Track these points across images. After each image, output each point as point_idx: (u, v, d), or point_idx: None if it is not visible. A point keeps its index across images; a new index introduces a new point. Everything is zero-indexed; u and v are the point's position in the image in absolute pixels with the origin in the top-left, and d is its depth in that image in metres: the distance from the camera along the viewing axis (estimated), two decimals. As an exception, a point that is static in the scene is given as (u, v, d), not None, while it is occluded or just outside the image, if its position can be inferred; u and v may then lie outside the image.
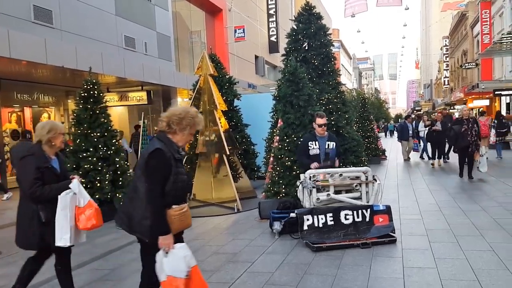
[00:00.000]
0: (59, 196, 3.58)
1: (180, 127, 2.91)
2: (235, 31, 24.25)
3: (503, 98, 29.27)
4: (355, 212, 5.42)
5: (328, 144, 5.95)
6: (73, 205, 3.68)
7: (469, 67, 36.37)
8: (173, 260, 2.81)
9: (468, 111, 10.26)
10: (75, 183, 3.72)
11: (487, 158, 9.85)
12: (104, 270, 4.79)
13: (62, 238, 3.60)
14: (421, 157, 15.52)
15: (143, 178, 2.81)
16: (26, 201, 3.59)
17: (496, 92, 26.28)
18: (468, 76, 40.99)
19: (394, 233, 5.41)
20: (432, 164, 13.23)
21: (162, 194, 2.78)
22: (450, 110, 36.66)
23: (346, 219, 5.40)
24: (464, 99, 36.48)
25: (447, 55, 50.85)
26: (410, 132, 15.51)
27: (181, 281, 2.78)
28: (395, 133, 49.85)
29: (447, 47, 50.75)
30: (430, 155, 13.96)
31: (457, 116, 11.40)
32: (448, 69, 51.21)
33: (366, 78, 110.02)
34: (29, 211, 3.56)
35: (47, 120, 3.98)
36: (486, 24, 29.59)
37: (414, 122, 16.19)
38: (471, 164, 9.90)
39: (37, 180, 3.49)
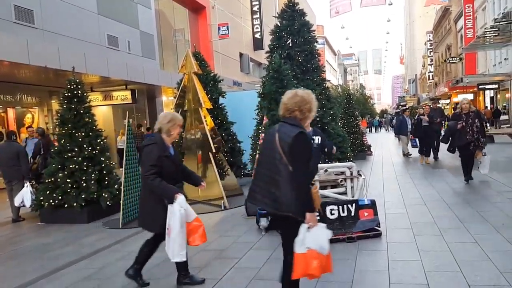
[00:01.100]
0: (178, 213, 3.73)
1: (308, 113, 3.06)
2: (219, 28, 24.20)
3: (487, 92, 29.80)
4: (340, 207, 5.49)
5: (313, 139, 6.01)
6: (184, 221, 3.82)
7: (453, 61, 36.90)
8: (318, 236, 2.93)
9: (468, 104, 8.64)
10: (183, 199, 3.80)
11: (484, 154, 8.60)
12: (91, 269, 4.78)
13: (179, 254, 3.76)
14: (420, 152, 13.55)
15: (284, 161, 2.88)
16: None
17: (480, 86, 26.71)
18: (452, 70, 41.55)
19: (379, 227, 5.48)
20: (424, 162, 12.51)
21: (307, 174, 2.95)
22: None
23: (331, 214, 5.47)
24: (448, 94, 37.01)
25: (431, 50, 51.42)
26: (409, 126, 14.63)
27: (322, 257, 2.93)
28: (382, 129, 50.43)
29: (431, 42, 51.32)
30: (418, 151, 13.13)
31: (455, 111, 9.62)
32: (432, 64, 51.83)
33: (351, 74, 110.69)
34: (156, 196, 3.80)
35: (168, 111, 4.23)
36: (470, 19, 29.98)
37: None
38: (471, 164, 8.61)
39: (152, 167, 3.74)
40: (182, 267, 4.07)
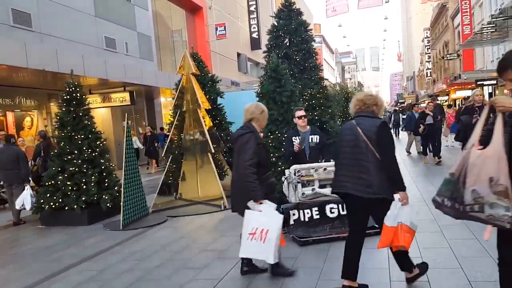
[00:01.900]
0: (277, 216, 3.78)
1: (381, 108, 3.68)
2: (216, 29, 24.21)
3: (485, 88, 29.80)
4: (340, 205, 5.50)
5: (312, 138, 6.02)
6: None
7: (450, 58, 36.90)
8: (411, 213, 3.42)
9: (481, 96, 8.05)
10: (268, 205, 3.82)
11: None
12: (93, 271, 4.80)
13: (274, 257, 3.73)
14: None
15: (370, 149, 3.33)
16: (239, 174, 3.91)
17: (478, 83, 26.72)
18: (450, 67, 41.59)
19: (379, 224, 5.51)
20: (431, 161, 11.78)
21: (395, 157, 3.44)
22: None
23: (331, 212, 5.48)
24: (447, 90, 37.04)
25: (428, 47, 51.43)
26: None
27: (412, 232, 3.44)
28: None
29: (429, 39, 51.33)
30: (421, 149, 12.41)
31: (466, 104, 8.95)
32: (430, 61, 51.85)
33: (349, 72, 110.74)
34: (244, 184, 3.84)
35: (256, 102, 4.32)
36: (467, 15, 29.98)
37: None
38: None
39: (253, 155, 3.83)
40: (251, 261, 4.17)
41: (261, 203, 3.76)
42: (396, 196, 3.41)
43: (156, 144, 15.65)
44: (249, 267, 4.22)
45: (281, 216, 3.83)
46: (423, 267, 3.77)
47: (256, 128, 4.07)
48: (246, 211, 3.79)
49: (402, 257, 3.64)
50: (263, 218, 3.72)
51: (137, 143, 16.23)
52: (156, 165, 16.44)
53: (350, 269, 3.54)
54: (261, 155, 3.92)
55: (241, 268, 4.25)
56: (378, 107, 3.62)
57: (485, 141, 2.37)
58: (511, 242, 2.49)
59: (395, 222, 3.35)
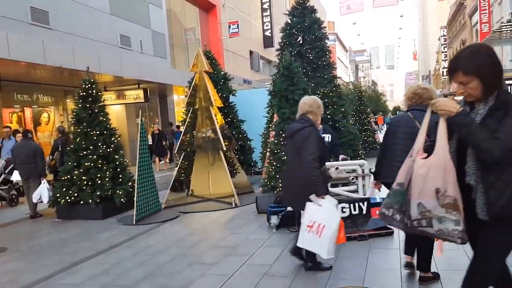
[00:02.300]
0: (336, 213, 3.82)
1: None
2: (229, 26, 24.26)
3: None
4: (351, 205, 5.50)
5: (324, 137, 6.04)
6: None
7: (467, 57, 36.27)
8: None
9: None
10: (330, 200, 3.88)
11: None
12: (106, 264, 4.90)
13: (328, 252, 3.76)
14: None
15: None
16: (300, 168, 3.89)
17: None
18: (465, 66, 40.90)
19: (391, 224, 5.49)
20: None
21: None
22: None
23: (343, 212, 5.47)
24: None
25: (445, 45, 50.69)
26: None
27: None
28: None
29: (445, 37, 50.60)
30: None
31: None
32: (446, 60, 51.06)
33: (363, 71, 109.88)
34: (307, 178, 3.84)
35: (313, 96, 4.44)
36: (485, 13, 29.41)
37: None
38: None
39: (316, 149, 3.87)
40: (313, 255, 4.16)
41: (322, 198, 3.80)
42: None
43: (164, 142, 15.68)
44: (313, 262, 4.21)
45: (340, 214, 3.90)
46: (437, 274, 3.80)
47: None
48: (308, 203, 3.82)
49: (426, 256, 3.68)
50: (322, 213, 3.76)
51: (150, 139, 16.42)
52: (168, 161, 16.54)
53: (411, 246, 3.84)
54: (321, 149, 3.97)
55: (304, 264, 4.27)
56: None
57: (430, 148, 2.22)
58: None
59: None
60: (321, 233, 3.70)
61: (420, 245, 3.68)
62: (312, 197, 3.80)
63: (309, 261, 4.20)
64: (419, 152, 2.25)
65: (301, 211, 3.96)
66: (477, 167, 2.11)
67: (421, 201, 2.13)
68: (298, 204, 3.98)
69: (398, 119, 3.90)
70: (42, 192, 7.64)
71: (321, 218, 3.73)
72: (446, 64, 50.83)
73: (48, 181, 8.02)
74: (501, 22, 22.54)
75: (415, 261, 3.82)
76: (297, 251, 4.26)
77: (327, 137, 6.07)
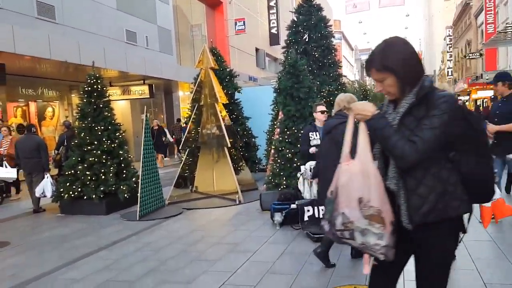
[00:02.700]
0: None
1: None
2: (236, 23, 24.22)
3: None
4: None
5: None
6: None
7: (473, 57, 36.12)
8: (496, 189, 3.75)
9: None
10: None
11: None
12: (109, 260, 4.90)
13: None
14: None
15: None
16: (336, 163, 3.89)
17: (500, 83, 26.16)
18: (472, 66, 40.77)
19: (394, 223, 5.46)
20: None
21: None
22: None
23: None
24: (468, 90, 36.35)
25: (450, 46, 50.47)
26: None
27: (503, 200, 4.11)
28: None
29: (451, 37, 50.35)
30: None
31: None
32: (451, 60, 50.90)
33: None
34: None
35: (351, 94, 4.51)
36: (491, 13, 29.26)
37: None
38: None
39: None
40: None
41: None
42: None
43: (164, 138, 15.62)
44: (324, 252, 4.25)
45: None
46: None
47: None
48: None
49: None
50: None
51: (167, 136, 16.51)
52: (176, 155, 16.56)
53: None
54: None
55: (351, 252, 4.34)
56: None
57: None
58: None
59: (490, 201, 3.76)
60: None
61: None
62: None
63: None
64: (345, 157, 2.08)
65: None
66: (397, 170, 1.97)
67: (345, 211, 1.95)
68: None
69: None
70: (46, 186, 7.63)
71: None
72: (451, 64, 50.70)
73: (52, 176, 8.03)
74: (506, 23, 22.41)
75: None
76: (323, 254, 4.27)
77: (332, 135, 6.04)
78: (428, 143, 1.84)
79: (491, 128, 5.30)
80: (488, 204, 3.91)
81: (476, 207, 4.06)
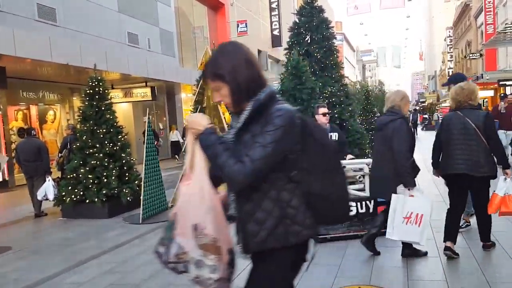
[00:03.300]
0: (428, 200, 4.05)
1: (478, 100, 4.28)
2: (238, 25, 24.24)
3: (507, 88, 29.09)
4: (358, 203, 5.45)
5: (331, 136, 5.99)
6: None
7: (473, 57, 36.11)
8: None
9: None
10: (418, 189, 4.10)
11: None
12: (112, 263, 4.88)
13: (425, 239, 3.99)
14: None
15: (480, 135, 3.98)
16: (387, 159, 4.06)
17: (501, 83, 26.12)
18: (472, 66, 40.73)
19: (398, 224, 5.43)
20: None
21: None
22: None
23: (350, 210, 5.43)
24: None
25: (451, 46, 50.47)
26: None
27: None
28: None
29: (451, 38, 50.37)
30: None
31: None
32: (452, 60, 50.87)
33: (370, 71, 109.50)
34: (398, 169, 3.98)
35: (399, 90, 4.73)
36: (490, 14, 29.29)
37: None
38: None
39: (409, 140, 4.07)
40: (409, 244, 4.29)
41: (411, 189, 3.94)
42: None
43: (156, 142, 15.43)
44: (410, 249, 4.33)
45: (430, 200, 4.09)
46: (493, 243, 4.40)
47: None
48: (394, 195, 3.93)
49: (486, 229, 4.26)
50: (416, 203, 3.88)
51: (178, 136, 16.47)
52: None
53: (453, 233, 4.20)
54: (411, 140, 4.12)
55: (402, 251, 4.37)
56: (475, 100, 4.23)
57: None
58: None
59: (503, 193, 4.01)
60: (421, 222, 3.85)
61: (479, 221, 4.29)
62: (400, 188, 3.91)
63: (407, 248, 4.31)
64: (186, 177, 1.83)
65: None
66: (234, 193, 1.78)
67: (180, 240, 1.75)
68: (388, 194, 4.10)
69: (450, 117, 4.27)
70: (48, 189, 7.59)
71: (417, 208, 3.87)
72: (452, 65, 50.66)
73: (53, 179, 8.00)
74: (506, 24, 22.41)
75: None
76: (370, 242, 4.39)
77: (335, 136, 6.02)
78: (259, 163, 1.62)
79: None
80: (501, 194, 4.05)
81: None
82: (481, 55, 34.62)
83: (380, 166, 4.25)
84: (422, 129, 34.27)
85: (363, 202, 5.48)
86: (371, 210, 5.45)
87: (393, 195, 3.93)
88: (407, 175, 3.93)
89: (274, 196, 1.70)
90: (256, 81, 1.78)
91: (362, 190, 5.72)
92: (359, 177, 5.73)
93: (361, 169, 5.74)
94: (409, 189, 3.91)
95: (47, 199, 7.67)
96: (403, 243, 4.28)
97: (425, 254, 4.35)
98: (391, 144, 4.00)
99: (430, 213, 3.90)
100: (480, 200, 4.22)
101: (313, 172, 1.74)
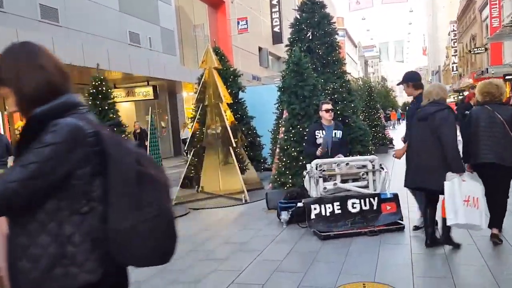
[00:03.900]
0: (480, 184, 4.28)
1: (504, 96, 4.64)
2: (238, 23, 24.23)
3: (513, 82, 28.94)
4: (362, 200, 5.47)
5: (335, 133, 6.00)
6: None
7: (478, 52, 35.89)
8: None
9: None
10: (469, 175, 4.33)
11: None
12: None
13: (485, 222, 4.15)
14: None
15: (507, 129, 4.25)
16: (435, 148, 4.22)
17: (507, 77, 25.96)
18: (477, 61, 40.52)
19: (402, 220, 5.44)
20: None
21: None
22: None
23: (353, 207, 5.45)
24: (473, 85, 36.12)
25: (455, 41, 50.19)
26: None
27: None
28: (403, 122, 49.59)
29: (455, 32, 50.07)
30: None
31: None
32: (456, 55, 50.62)
33: (372, 67, 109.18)
34: (444, 159, 4.16)
35: (439, 84, 4.81)
36: (495, 7, 29.06)
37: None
38: None
39: (456, 129, 4.27)
40: (448, 231, 4.40)
41: (462, 174, 4.11)
42: None
43: (146, 143, 15.12)
44: (448, 237, 4.41)
45: (481, 183, 4.30)
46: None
47: None
48: (447, 182, 4.02)
49: (501, 216, 4.45)
50: (470, 187, 4.03)
51: (188, 134, 16.53)
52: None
53: (496, 219, 4.41)
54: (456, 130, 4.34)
55: (426, 241, 4.45)
56: (503, 96, 4.53)
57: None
58: None
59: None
60: (478, 205, 3.99)
61: (494, 209, 4.41)
62: (451, 174, 4.05)
63: (445, 236, 4.41)
64: None
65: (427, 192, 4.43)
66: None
67: None
68: (436, 183, 4.15)
69: (478, 111, 4.54)
70: None
71: (473, 191, 4.00)
72: (456, 60, 50.42)
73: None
74: (511, 17, 22.22)
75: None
76: (449, 238, 4.41)
77: (338, 133, 6.03)
78: (13, 186, 1.32)
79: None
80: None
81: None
82: (486, 49, 34.40)
83: (426, 155, 4.33)
84: None
85: (367, 199, 5.50)
86: (375, 207, 5.47)
87: (447, 182, 4.05)
88: (459, 161, 4.14)
89: (54, 229, 1.39)
90: (46, 88, 1.49)
91: (366, 187, 5.72)
92: (363, 174, 5.73)
93: (364, 166, 5.74)
94: (460, 175, 4.06)
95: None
96: (443, 228, 4.38)
97: (458, 246, 4.39)
98: (439, 133, 4.17)
99: (483, 196, 4.08)
100: (502, 186, 4.43)
101: (111, 201, 1.43)
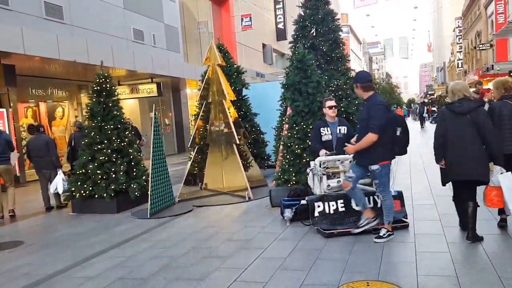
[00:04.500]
0: None
1: None
2: (242, 19, 24.18)
3: (517, 79, 28.71)
4: (366, 198, 5.45)
5: (340, 129, 5.97)
6: None
7: (483, 48, 35.61)
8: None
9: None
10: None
11: None
12: (122, 258, 4.93)
13: None
14: None
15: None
16: (478, 142, 4.38)
17: (512, 73, 25.78)
18: (482, 57, 40.24)
19: (406, 218, 5.42)
20: None
21: None
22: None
23: (357, 205, 5.43)
24: (479, 81, 35.88)
25: (460, 37, 49.84)
26: None
27: None
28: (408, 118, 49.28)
29: (460, 29, 49.72)
30: None
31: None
32: (461, 51, 50.27)
33: (376, 63, 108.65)
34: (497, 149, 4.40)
35: (460, 81, 5.03)
36: (501, 3, 28.81)
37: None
38: None
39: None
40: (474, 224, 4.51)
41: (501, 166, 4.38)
42: None
43: (138, 142, 14.42)
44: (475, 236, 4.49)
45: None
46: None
47: None
48: (501, 175, 4.31)
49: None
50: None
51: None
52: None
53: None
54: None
55: (467, 235, 4.51)
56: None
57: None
58: None
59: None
60: None
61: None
62: (496, 167, 4.34)
63: (472, 232, 4.48)
64: None
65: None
66: None
67: None
68: (486, 174, 4.38)
69: (500, 104, 4.71)
70: (58, 182, 7.83)
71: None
72: (461, 56, 50.09)
73: (64, 172, 8.18)
74: (518, 13, 22.03)
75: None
76: (476, 236, 4.49)
77: (343, 129, 6.01)
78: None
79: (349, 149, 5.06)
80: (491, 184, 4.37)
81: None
82: (491, 45, 34.14)
83: (471, 149, 4.41)
84: (431, 122, 34.01)
85: (371, 197, 5.48)
86: (378, 205, 5.44)
87: (500, 175, 4.30)
88: (500, 147, 4.40)
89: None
90: None
91: (370, 184, 5.70)
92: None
93: (368, 163, 5.73)
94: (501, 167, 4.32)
95: (57, 192, 7.87)
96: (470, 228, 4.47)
97: (482, 239, 4.50)
98: (484, 127, 4.33)
99: None
100: None
101: None
